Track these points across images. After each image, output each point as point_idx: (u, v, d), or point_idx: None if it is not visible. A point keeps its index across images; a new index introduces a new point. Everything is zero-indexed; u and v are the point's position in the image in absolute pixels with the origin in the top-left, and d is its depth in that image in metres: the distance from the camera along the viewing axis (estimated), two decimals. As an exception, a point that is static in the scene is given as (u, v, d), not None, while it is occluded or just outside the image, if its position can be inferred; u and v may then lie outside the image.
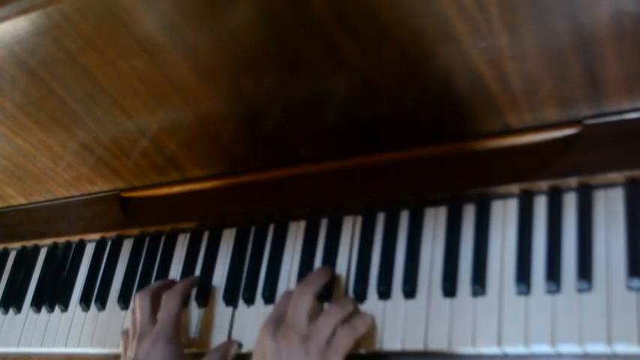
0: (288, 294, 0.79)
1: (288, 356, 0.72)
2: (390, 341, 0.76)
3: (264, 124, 0.87)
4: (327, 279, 0.80)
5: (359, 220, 0.85)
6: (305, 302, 0.75)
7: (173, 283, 0.91)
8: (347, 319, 0.76)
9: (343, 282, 0.83)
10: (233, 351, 0.84)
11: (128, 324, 0.95)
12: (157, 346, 0.80)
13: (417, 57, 0.73)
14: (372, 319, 0.77)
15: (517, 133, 0.78)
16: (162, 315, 0.83)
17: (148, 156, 0.96)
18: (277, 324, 0.75)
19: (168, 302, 0.84)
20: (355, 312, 0.78)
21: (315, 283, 0.78)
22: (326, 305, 0.80)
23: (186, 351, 0.86)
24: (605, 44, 0.67)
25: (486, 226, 0.77)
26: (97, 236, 1.06)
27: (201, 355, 0.85)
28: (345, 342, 0.74)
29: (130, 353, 0.82)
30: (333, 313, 0.75)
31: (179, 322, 0.84)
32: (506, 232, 0.76)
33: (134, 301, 0.87)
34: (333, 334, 0.74)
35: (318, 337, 0.73)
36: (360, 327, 0.76)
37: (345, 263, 0.84)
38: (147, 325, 0.83)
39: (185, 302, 0.90)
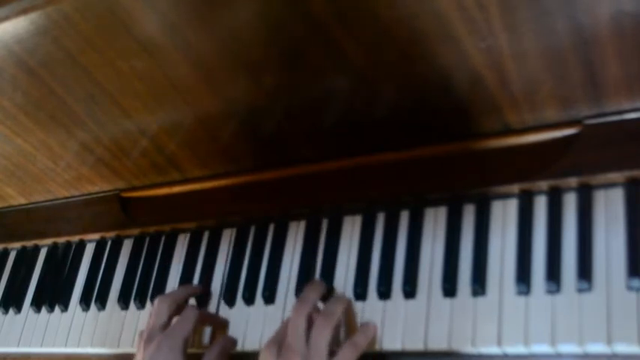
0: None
1: None
2: (390, 341, 0.76)
3: (264, 124, 0.87)
4: (321, 293, 0.80)
5: (359, 220, 0.85)
6: (301, 323, 0.75)
7: (197, 288, 0.91)
8: (350, 335, 0.77)
9: (343, 282, 0.83)
10: (229, 347, 0.85)
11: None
12: (160, 352, 0.80)
13: (417, 57, 0.73)
14: (374, 330, 0.77)
15: (517, 133, 0.78)
16: (176, 325, 0.83)
17: (148, 156, 0.96)
18: (278, 347, 0.76)
19: (187, 315, 0.84)
20: (350, 313, 0.78)
21: (309, 301, 0.78)
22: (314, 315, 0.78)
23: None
24: (605, 44, 0.67)
25: (486, 226, 0.77)
26: (97, 236, 1.06)
27: (201, 355, 0.85)
28: (346, 359, 0.74)
29: (137, 355, 0.82)
30: (322, 326, 0.75)
31: (190, 337, 0.83)
32: (506, 232, 0.76)
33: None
34: (332, 353, 0.74)
35: (317, 355, 0.73)
36: (361, 342, 0.76)
37: (345, 263, 0.84)
38: (157, 329, 0.83)
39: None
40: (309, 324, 0.76)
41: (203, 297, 0.91)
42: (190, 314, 0.84)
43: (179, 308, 0.86)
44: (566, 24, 0.66)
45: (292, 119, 0.85)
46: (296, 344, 0.74)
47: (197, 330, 0.88)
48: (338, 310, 0.77)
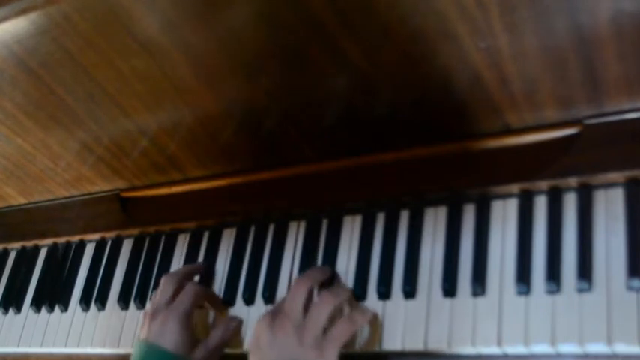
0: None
1: (282, 345, 0.73)
2: (390, 341, 0.76)
3: (264, 124, 0.87)
4: (326, 276, 0.81)
5: (359, 220, 0.85)
6: (301, 293, 0.76)
7: (200, 267, 0.92)
8: (348, 312, 0.76)
9: (343, 282, 0.82)
10: (235, 326, 0.85)
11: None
12: (167, 325, 0.81)
13: (417, 57, 0.73)
14: (373, 314, 0.77)
15: (517, 133, 0.78)
16: (179, 299, 0.84)
17: (148, 156, 0.96)
18: (274, 315, 0.76)
19: (188, 289, 0.85)
20: (351, 302, 0.78)
21: (314, 277, 0.79)
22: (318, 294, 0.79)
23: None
24: (605, 44, 0.67)
25: (486, 226, 0.77)
26: (97, 236, 1.06)
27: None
28: (341, 333, 0.73)
29: (143, 331, 0.83)
30: (325, 301, 0.75)
31: (192, 311, 0.84)
32: (506, 232, 0.76)
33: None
34: (330, 323, 0.74)
35: (312, 326, 0.73)
36: (359, 320, 0.75)
37: (345, 263, 0.84)
38: (163, 304, 0.84)
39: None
40: (309, 299, 0.76)
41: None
42: (192, 288, 0.85)
43: (183, 286, 0.86)
44: (566, 24, 0.66)
45: (292, 119, 0.85)
46: (292, 312, 0.75)
47: (199, 306, 0.88)
48: (344, 293, 0.77)
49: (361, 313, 0.76)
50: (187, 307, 0.83)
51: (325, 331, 0.74)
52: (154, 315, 0.83)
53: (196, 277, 0.92)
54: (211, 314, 0.90)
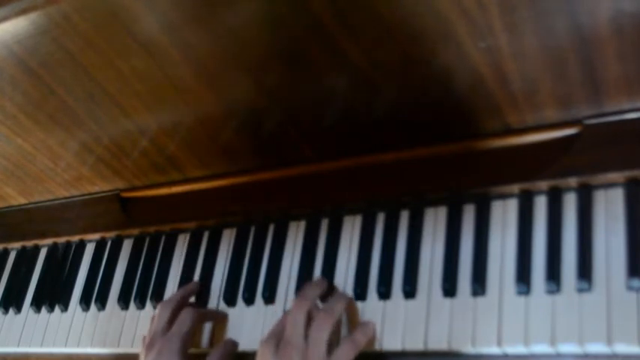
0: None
1: None
2: (390, 341, 0.76)
3: (264, 124, 0.87)
4: (322, 290, 0.80)
5: (359, 220, 0.85)
6: (301, 318, 0.76)
7: (196, 286, 0.92)
8: (349, 332, 0.77)
9: (343, 282, 0.83)
10: (231, 350, 0.85)
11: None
12: (163, 354, 0.81)
13: (417, 57, 0.73)
14: (373, 328, 0.77)
15: (517, 133, 0.78)
16: (175, 328, 0.84)
17: (148, 156, 0.96)
18: (276, 341, 0.76)
19: (184, 317, 0.84)
20: (352, 310, 0.78)
21: (310, 296, 0.78)
22: (314, 311, 0.78)
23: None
24: (605, 44, 0.67)
25: (486, 226, 0.77)
26: (97, 236, 1.06)
27: (201, 355, 0.85)
28: (345, 356, 0.74)
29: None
30: (323, 322, 0.75)
31: (189, 339, 0.84)
32: (506, 232, 0.76)
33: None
34: (330, 345, 0.74)
35: (315, 351, 0.73)
36: (360, 340, 0.76)
37: (345, 263, 0.84)
38: (158, 335, 0.84)
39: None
40: (309, 320, 0.76)
41: (203, 297, 0.91)
42: (187, 315, 0.84)
43: (179, 312, 0.86)
44: (566, 24, 0.66)
45: (292, 119, 0.85)
46: (295, 339, 0.74)
47: (197, 329, 0.88)
48: (339, 307, 0.77)
49: (362, 332, 0.77)
50: (183, 336, 0.83)
51: (329, 349, 0.74)
52: (150, 344, 0.83)
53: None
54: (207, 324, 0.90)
